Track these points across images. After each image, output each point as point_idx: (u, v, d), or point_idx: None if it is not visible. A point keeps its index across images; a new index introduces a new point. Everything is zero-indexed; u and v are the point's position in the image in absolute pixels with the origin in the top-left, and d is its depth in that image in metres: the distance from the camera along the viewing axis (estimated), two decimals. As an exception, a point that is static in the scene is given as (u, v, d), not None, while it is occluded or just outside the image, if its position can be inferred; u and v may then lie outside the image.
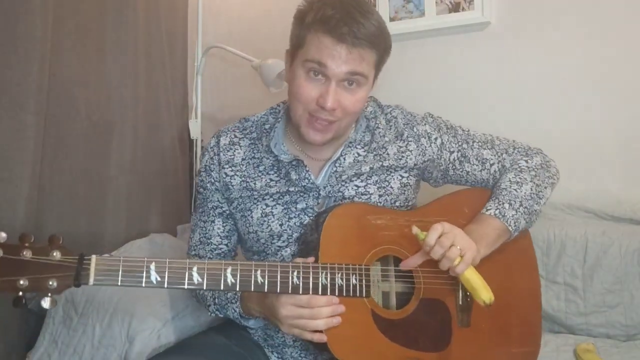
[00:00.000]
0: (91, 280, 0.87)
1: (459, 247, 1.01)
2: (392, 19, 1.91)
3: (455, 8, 1.83)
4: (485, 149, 1.24)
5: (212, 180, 1.19)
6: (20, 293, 0.84)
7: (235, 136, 1.20)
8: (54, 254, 0.85)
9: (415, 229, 1.03)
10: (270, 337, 1.19)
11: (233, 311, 1.12)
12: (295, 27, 1.08)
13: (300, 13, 1.07)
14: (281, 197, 1.13)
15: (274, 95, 2.02)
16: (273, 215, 1.13)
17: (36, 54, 1.48)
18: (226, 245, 1.22)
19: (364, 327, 1.03)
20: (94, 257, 0.88)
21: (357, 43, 1.00)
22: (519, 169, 1.21)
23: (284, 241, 1.14)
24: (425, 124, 1.22)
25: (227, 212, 1.20)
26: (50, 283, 0.85)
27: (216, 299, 1.15)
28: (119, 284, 0.89)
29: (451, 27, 1.83)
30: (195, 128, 2.13)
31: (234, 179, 1.16)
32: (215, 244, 1.21)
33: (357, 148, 1.17)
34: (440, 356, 1.08)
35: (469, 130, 1.26)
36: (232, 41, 2.12)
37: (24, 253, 0.84)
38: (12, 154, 1.45)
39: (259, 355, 1.18)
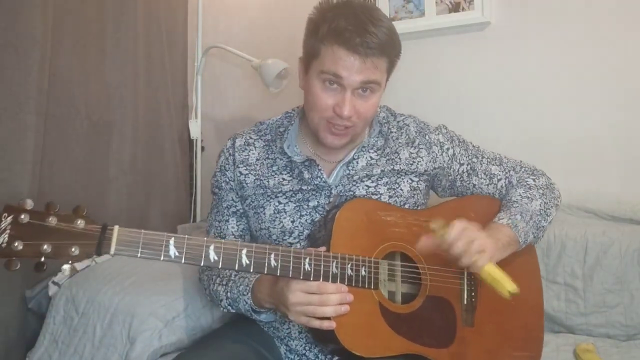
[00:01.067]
0: (112, 250, 0.89)
1: (479, 242, 1.01)
2: (392, 19, 1.91)
3: (455, 8, 1.83)
4: (493, 164, 1.27)
5: (227, 180, 1.23)
6: (43, 259, 0.86)
7: (251, 137, 1.24)
8: (78, 222, 0.87)
9: (434, 224, 1.03)
10: (277, 329, 1.20)
11: (244, 303, 1.12)
12: (308, 37, 1.11)
13: (313, 23, 1.10)
14: (294, 194, 1.17)
15: (274, 95, 2.03)
16: (285, 212, 1.16)
17: (36, 54, 1.48)
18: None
19: (371, 318, 1.05)
20: (116, 228, 0.90)
21: (370, 53, 1.04)
22: (527, 186, 1.24)
23: (295, 238, 1.16)
24: (438, 134, 1.25)
25: (241, 211, 1.23)
26: (73, 250, 0.87)
27: (229, 293, 1.16)
28: (139, 255, 0.90)
29: (451, 27, 1.83)
30: (195, 128, 2.13)
31: (248, 177, 1.20)
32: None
33: (370, 152, 1.20)
34: (444, 353, 1.09)
35: (478, 147, 1.30)
36: (232, 41, 2.12)
37: (50, 219, 0.86)
38: (12, 154, 1.45)
39: (276, 349, 1.20)
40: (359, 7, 1.07)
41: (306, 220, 1.15)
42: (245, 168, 1.21)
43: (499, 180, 1.26)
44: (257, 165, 1.21)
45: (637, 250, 1.48)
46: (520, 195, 1.21)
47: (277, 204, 1.17)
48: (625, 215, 1.60)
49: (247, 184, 1.20)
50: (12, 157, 1.46)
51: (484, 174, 1.26)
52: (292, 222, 1.16)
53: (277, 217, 1.16)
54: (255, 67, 1.94)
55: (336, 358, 1.13)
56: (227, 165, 1.23)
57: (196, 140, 2.17)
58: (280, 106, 2.14)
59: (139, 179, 1.96)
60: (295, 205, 1.16)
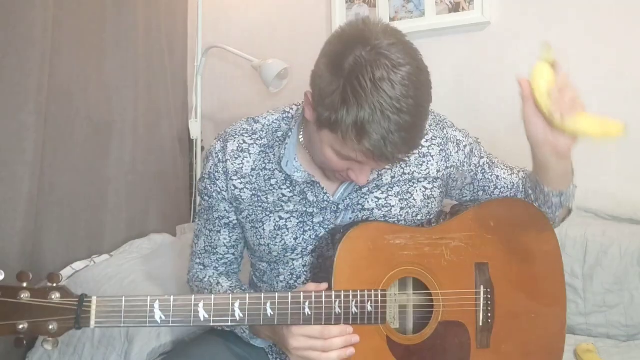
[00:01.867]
0: (92, 323, 0.83)
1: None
2: (392, 19, 1.91)
3: (455, 8, 1.83)
4: (507, 163, 1.23)
5: (218, 190, 1.10)
6: (22, 335, 0.81)
7: (244, 142, 1.09)
8: (53, 296, 0.82)
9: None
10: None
11: (242, 331, 1.08)
12: (322, 106, 0.90)
13: (327, 94, 0.88)
14: (296, 211, 1.08)
15: (274, 95, 2.03)
16: (287, 229, 1.07)
17: (36, 54, 1.48)
18: (233, 254, 1.17)
19: (378, 355, 0.99)
20: (94, 299, 0.84)
21: (400, 158, 0.92)
22: None
23: (297, 254, 1.09)
24: (455, 130, 1.17)
25: (235, 222, 1.13)
26: (51, 327, 0.81)
27: None
28: (122, 325, 0.86)
29: (451, 27, 1.84)
30: (195, 128, 2.13)
31: (244, 192, 1.08)
32: (221, 254, 1.17)
33: None
34: None
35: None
36: (232, 41, 2.12)
37: (22, 296, 0.81)
38: (12, 154, 1.45)
39: (261, 357, 1.15)
40: (389, 85, 0.86)
41: (310, 237, 1.07)
42: (239, 181, 1.08)
43: (518, 172, 1.21)
44: (252, 176, 1.08)
45: (637, 250, 1.48)
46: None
47: (277, 219, 1.07)
48: (625, 215, 1.60)
49: (243, 199, 1.08)
50: (12, 157, 1.45)
51: (504, 165, 1.21)
52: (295, 239, 1.07)
53: (278, 234, 1.07)
54: (255, 67, 1.94)
55: None
56: (217, 174, 1.09)
57: (196, 140, 2.16)
58: (280, 106, 2.15)
59: (139, 179, 1.96)
60: (298, 221, 1.07)
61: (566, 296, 1.17)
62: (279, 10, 2.16)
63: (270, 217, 1.08)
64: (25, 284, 0.82)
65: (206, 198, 1.13)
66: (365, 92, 0.85)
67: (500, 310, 1.08)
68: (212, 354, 1.09)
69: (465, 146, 1.16)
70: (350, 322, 0.96)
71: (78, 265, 1.63)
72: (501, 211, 1.14)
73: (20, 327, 0.80)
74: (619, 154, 1.67)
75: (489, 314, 1.08)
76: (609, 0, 1.66)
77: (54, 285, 0.83)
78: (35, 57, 1.48)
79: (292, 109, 1.14)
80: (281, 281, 1.12)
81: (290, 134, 1.09)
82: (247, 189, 1.08)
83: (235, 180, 1.08)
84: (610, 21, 1.66)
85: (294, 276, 1.11)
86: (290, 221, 1.07)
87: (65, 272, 1.59)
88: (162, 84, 2.10)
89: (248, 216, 1.10)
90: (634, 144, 1.66)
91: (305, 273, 1.10)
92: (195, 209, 2.19)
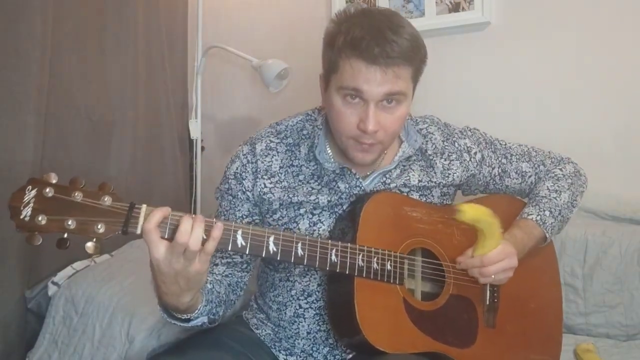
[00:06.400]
0: (139, 229, 0.86)
1: (508, 275, 1.08)
2: (392, 19, 1.91)
3: (455, 8, 1.83)
4: (523, 161, 1.25)
5: (244, 189, 1.13)
6: (66, 235, 0.83)
7: (271, 141, 1.14)
8: (105, 199, 0.85)
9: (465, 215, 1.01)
10: (283, 328, 1.15)
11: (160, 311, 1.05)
12: (326, 51, 1.05)
13: (330, 36, 1.03)
14: (326, 203, 1.11)
15: (274, 95, 2.03)
16: (322, 223, 1.10)
17: (36, 54, 1.48)
18: (240, 256, 1.16)
19: (395, 314, 1.04)
20: (144, 207, 0.87)
21: (391, 62, 0.97)
22: (555, 177, 1.23)
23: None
24: (465, 138, 1.21)
25: (257, 221, 1.15)
26: (98, 227, 0.84)
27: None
28: (166, 236, 0.88)
29: (451, 27, 1.84)
30: (195, 128, 2.13)
31: (274, 192, 1.11)
32: (229, 252, 1.15)
33: (410, 161, 1.16)
34: (466, 353, 1.08)
35: (506, 143, 1.26)
36: (232, 41, 2.12)
37: (75, 195, 0.83)
38: (12, 154, 1.45)
39: (263, 355, 1.15)
40: (377, 15, 1.01)
41: None
42: (269, 180, 1.11)
43: (529, 177, 1.24)
44: (281, 174, 1.12)
45: (637, 250, 1.48)
46: (548, 188, 1.20)
47: (310, 216, 1.10)
48: (625, 215, 1.60)
49: (272, 201, 1.11)
50: (12, 157, 1.45)
51: (515, 172, 1.24)
52: (330, 231, 1.10)
53: (314, 230, 1.10)
54: (255, 67, 1.94)
55: (349, 357, 1.11)
56: (244, 174, 1.12)
57: (196, 140, 2.16)
58: (280, 106, 2.15)
59: (139, 179, 1.96)
60: (329, 212, 1.10)
61: (561, 290, 1.25)
62: (279, 10, 2.16)
63: (304, 216, 1.10)
64: (78, 187, 0.84)
65: (229, 198, 1.15)
66: (357, 19, 1.00)
67: (505, 293, 1.13)
68: (211, 346, 1.09)
69: (475, 153, 1.20)
70: (371, 277, 1.01)
71: (78, 265, 1.63)
72: (504, 206, 1.20)
73: (69, 223, 0.83)
74: (619, 154, 1.67)
75: (495, 294, 1.12)
76: (609, 1, 1.66)
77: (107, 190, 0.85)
78: (35, 57, 1.48)
79: (314, 112, 1.19)
80: (292, 296, 1.13)
81: (318, 126, 1.14)
82: (278, 187, 1.11)
83: (266, 179, 1.12)
84: (610, 21, 1.66)
85: (307, 292, 1.12)
86: (323, 215, 1.10)
87: (66, 272, 1.59)
88: (162, 84, 2.10)
89: (281, 218, 1.12)
90: (633, 144, 1.66)
91: (318, 291, 1.11)
92: (196, 209, 2.20)
